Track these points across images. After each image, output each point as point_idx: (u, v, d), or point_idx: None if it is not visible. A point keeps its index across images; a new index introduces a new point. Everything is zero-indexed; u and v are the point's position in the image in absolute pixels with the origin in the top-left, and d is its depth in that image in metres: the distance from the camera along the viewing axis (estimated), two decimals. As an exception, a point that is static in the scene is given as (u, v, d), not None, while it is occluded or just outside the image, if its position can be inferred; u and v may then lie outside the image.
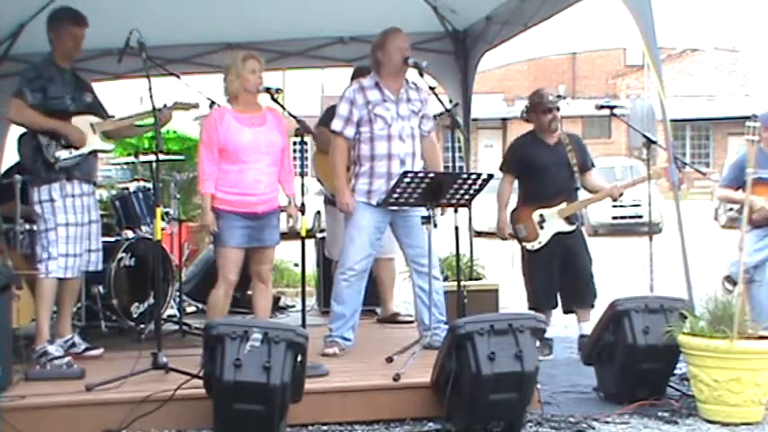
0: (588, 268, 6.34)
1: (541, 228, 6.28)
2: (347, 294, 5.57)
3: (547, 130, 6.35)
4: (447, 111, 5.62)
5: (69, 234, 5.33)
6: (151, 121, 5.50)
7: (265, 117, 5.36)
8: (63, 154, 5.32)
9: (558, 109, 6.35)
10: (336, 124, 5.60)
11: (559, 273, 6.28)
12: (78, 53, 5.55)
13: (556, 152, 6.32)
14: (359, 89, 5.58)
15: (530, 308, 6.29)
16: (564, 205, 6.28)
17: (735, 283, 6.21)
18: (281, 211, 5.42)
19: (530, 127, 6.47)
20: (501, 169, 6.54)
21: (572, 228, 6.32)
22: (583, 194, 6.48)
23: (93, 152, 5.50)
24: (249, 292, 5.72)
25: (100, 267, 5.67)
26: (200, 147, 5.32)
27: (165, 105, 5.38)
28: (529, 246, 6.33)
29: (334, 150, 5.62)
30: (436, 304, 5.55)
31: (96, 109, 5.58)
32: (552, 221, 6.27)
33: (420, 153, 5.68)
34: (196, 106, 5.67)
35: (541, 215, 6.28)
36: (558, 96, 6.52)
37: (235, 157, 5.21)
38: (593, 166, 6.54)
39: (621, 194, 6.37)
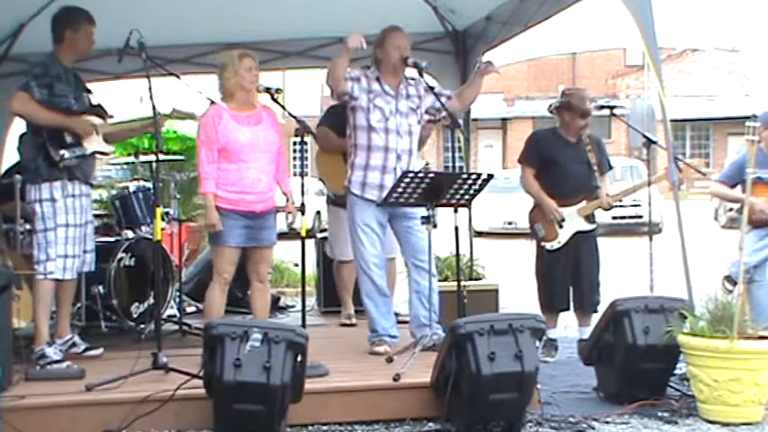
0: (596, 276, 6.31)
1: (560, 227, 6.24)
2: (375, 292, 5.59)
3: (573, 131, 6.31)
4: (447, 112, 5.61)
5: (69, 235, 5.29)
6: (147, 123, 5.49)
7: (261, 115, 5.37)
8: (66, 153, 5.27)
9: (589, 116, 6.29)
10: None
11: (570, 273, 6.26)
12: (90, 54, 5.50)
13: (576, 149, 6.29)
14: (364, 75, 5.63)
15: (542, 308, 6.27)
16: (584, 203, 6.24)
17: (735, 283, 6.21)
18: (279, 210, 5.43)
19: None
20: (519, 161, 6.47)
21: (592, 226, 6.30)
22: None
23: (94, 153, 5.48)
24: (250, 292, 5.72)
25: (93, 268, 5.63)
26: (198, 146, 5.30)
27: (161, 114, 5.31)
28: (548, 246, 6.27)
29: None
30: (432, 303, 5.58)
31: (98, 111, 5.55)
32: (572, 220, 6.23)
33: (417, 151, 5.70)
34: (192, 117, 5.67)
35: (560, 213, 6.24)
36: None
37: (234, 156, 5.21)
38: (610, 168, 6.51)
39: (611, 207, 6.32)
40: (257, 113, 5.36)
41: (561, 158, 6.26)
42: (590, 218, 6.30)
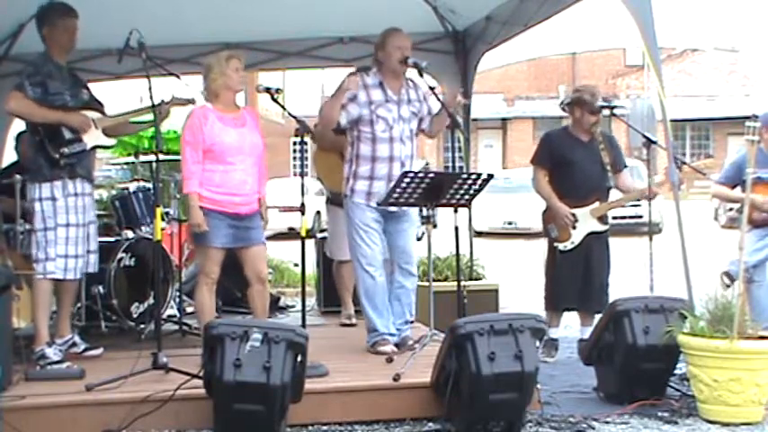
0: (606, 278, 6.29)
1: (574, 228, 6.23)
2: (375, 291, 5.59)
3: (585, 129, 6.30)
4: (449, 113, 5.61)
5: (70, 235, 5.29)
6: (148, 117, 5.50)
7: (245, 117, 5.37)
8: (66, 150, 5.26)
9: (600, 113, 6.29)
10: None
11: (581, 274, 6.24)
12: (74, 46, 5.47)
13: (589, 149, 6.26)
14: (362, 86, 5.59)
15: (546, 307, 6.27)
16: (597, 204, 6.22)
17: (733, 279, 6.21)
18: None
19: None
20: (532, 162, 6.45)
21: (605, 227, 6.28)
22: (615, 195, 6.40)
23: (94, 148, 5.48)
24: (249, 292, 5.72)
25: (96, 269, 5.64)
26: (182, 147, 5.26)
27: (162, 101, 5.33)
28: (561, 246, 6.24)
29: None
30: (410, 303, 5.69)
31: (95, 105, 5.54)
32: (585, 221, 6.21)
33: (416, 155, 5.71)
34: (193, 102, 5.65)
35: (574, 215, 6.21)
36: (601, 106, 6.36)
37: (220, 158, 5.21)
38: (625, 166, 6.48)
39: (656, 195, 6.18)
40: (242, 115, 5.36)
41: (574, 158, 6.23)
42: (603, 218, 6.28)
